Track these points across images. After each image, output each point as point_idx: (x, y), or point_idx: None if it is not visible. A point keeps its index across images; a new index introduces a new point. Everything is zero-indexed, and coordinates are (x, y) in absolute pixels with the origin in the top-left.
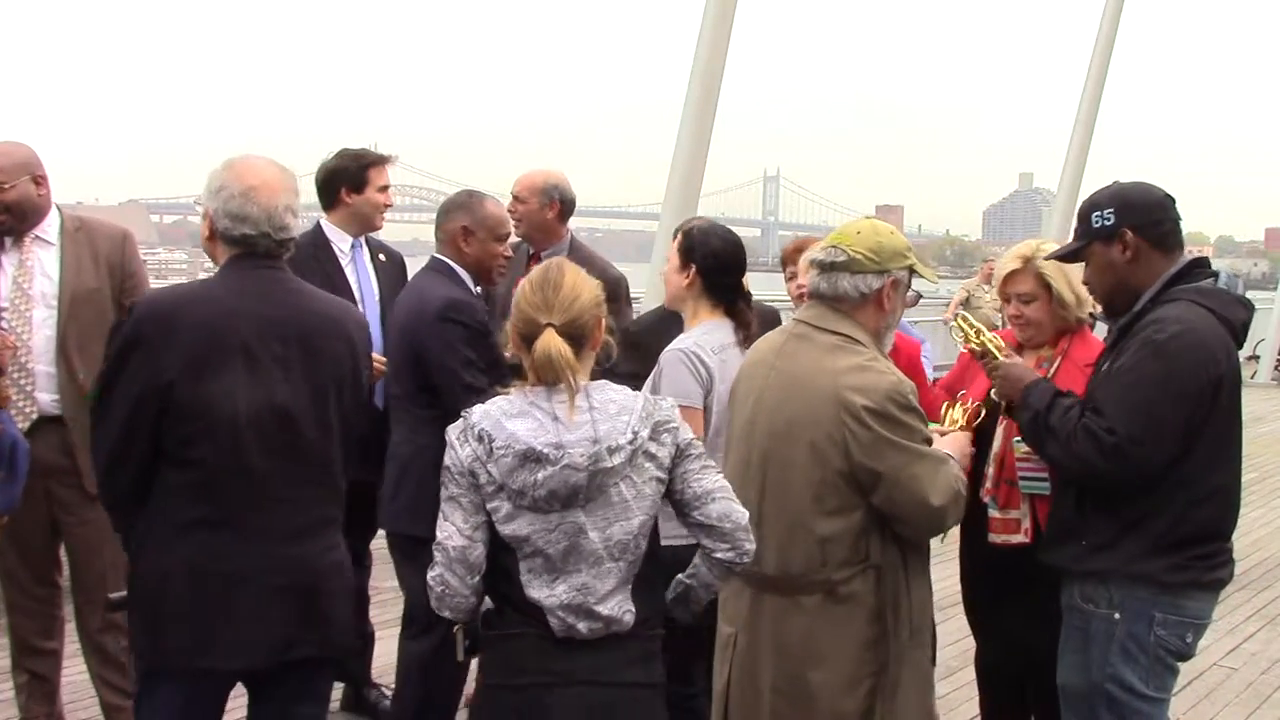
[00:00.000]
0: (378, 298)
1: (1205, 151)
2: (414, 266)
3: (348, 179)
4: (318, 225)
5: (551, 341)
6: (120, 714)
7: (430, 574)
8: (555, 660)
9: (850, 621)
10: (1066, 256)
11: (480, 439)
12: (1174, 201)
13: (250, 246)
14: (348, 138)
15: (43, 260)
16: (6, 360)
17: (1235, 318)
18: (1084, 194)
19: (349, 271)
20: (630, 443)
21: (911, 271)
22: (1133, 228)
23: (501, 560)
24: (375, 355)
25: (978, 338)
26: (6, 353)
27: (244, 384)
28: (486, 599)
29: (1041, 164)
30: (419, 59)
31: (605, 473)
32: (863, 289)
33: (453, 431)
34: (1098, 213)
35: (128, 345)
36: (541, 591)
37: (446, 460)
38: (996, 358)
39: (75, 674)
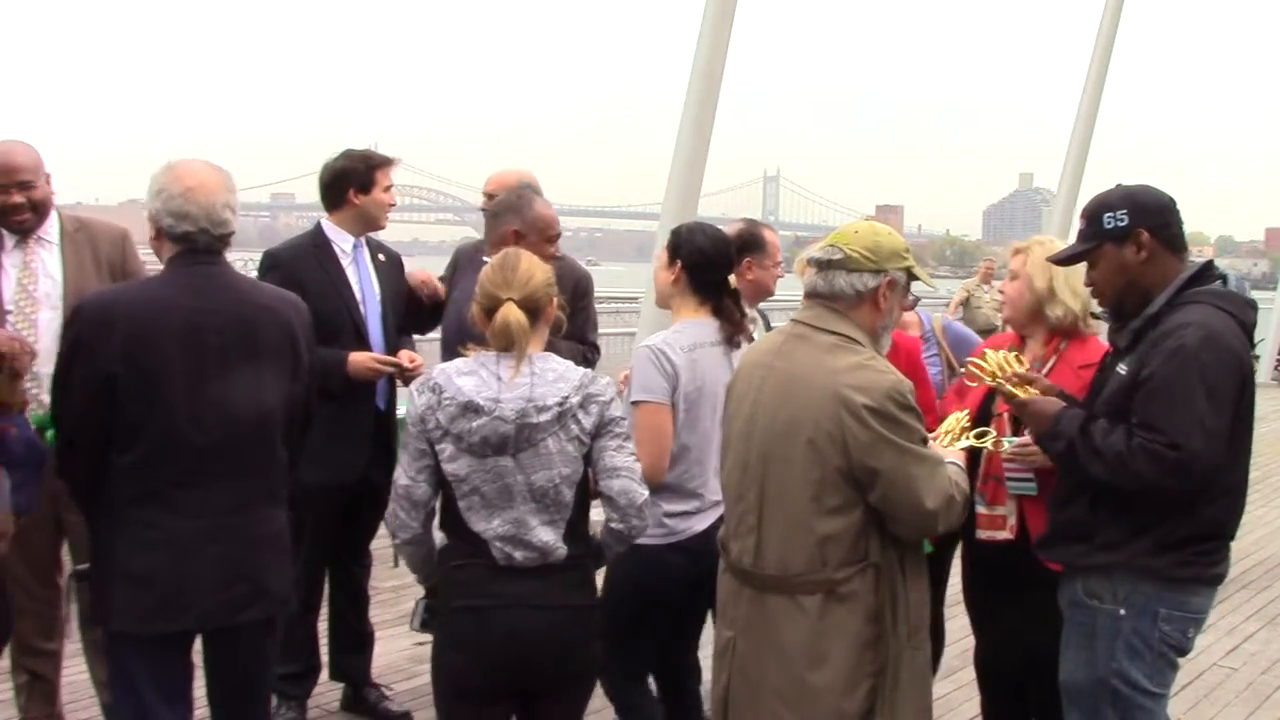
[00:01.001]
0: (379, 298)
1: (1205, 151)
2: (411, 266)
3: (355, 179)
4: (318, 225)
5: (510, 312)
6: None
7: (388, 508)
8: (498, 585)
9: (850, 621)
10: (1072, 258)
11: (433, 390)
12: (1176, 205)
13: (191, 243)
14: (348, 137)
15: (45, 261)
16: (28, 365)
17: (1249, 321)
18: (1084, 194)
19: (350, 272)
20: (559, 405)
21: (910, 275)
22: (1149, 229)
23: (451, 499)
24: (407, 353)
25: (994, 379)
26: (26, 357)
27: (180, 372)
28: (442, 537)
29: (1041, 164)
30: (419, 59)
31: (532, 427)
32: (858, 287)
33: (414, 384)
34: (1110, 213)
35: (73, 345)
36: (480, 525)
37: (406, 409)
38: (1017, 396)
39: (75, 674)
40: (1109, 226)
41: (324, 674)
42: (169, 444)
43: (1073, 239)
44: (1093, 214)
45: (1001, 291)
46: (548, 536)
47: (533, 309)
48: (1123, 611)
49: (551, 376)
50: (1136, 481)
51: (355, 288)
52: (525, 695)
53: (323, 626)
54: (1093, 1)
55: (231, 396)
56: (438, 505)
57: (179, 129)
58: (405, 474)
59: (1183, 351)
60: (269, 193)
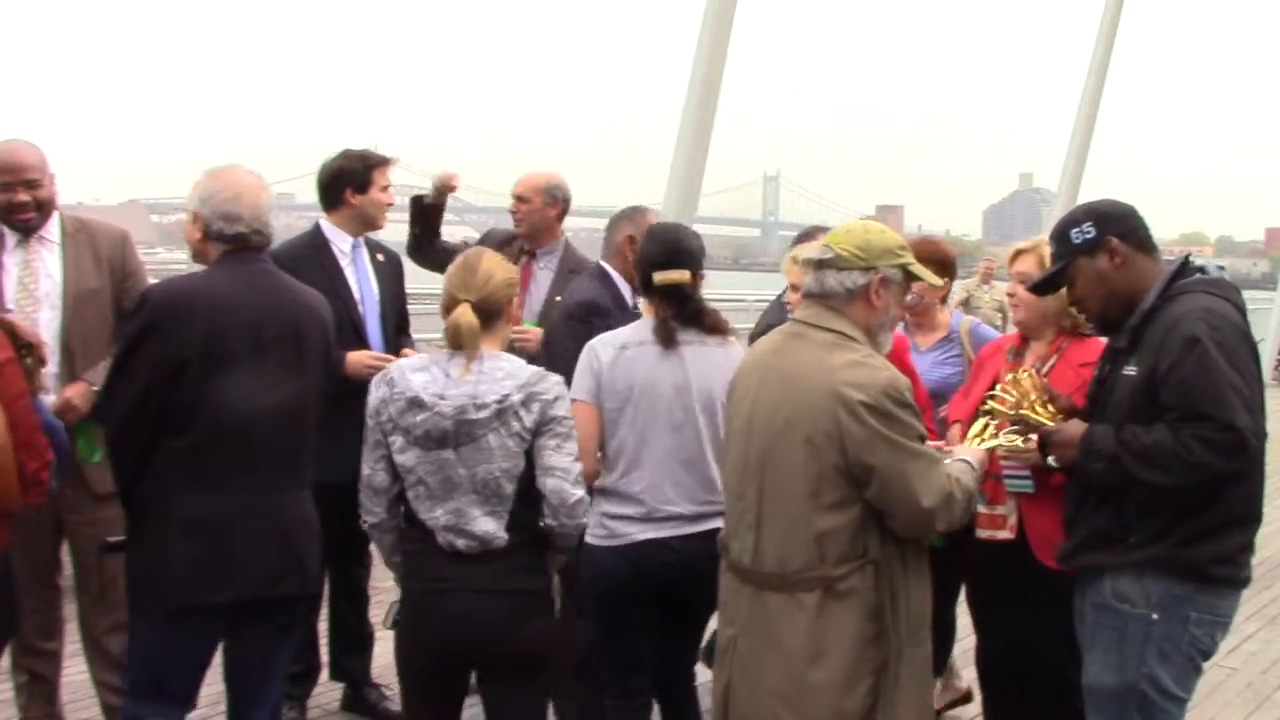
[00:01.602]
0: (377, 298)
1: (1205, 152)
2: (410, 266)
3: (352, 179)
4: (317, 226)
5: (463, 314)
6: (120, 715)
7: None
8: (446, 569)
9: (849, 619)
10: (1047, 281)
11: (389, 384)
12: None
13: (243, 243)
14: (348, 138)
15: (46, 260)
16: (48, 356)
17: (1241, 304)
18: (1084, 194)
19: (349, 272)
20: (498, 402)
21: (908, 273)
22: (1117, 235)
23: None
24: (407, 351)
25: (1016, 410)
26: (45, 348)
27: (248, 364)
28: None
29: (1041, 164)
30: (419, 59)
31: (471, 423)
32: (848, 285)
33: (375, 378)
34: (1076, 229)
35: (147, 327)
36: (426, 513)
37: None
38: (1043, 426)
39: (75, 674)
40: (1077, 241)
41: (324, 674)
42: (223, 429)
43: None
44: (1060, 234)
45: (1011, 294)
46: (488, 526)
47: (489, 310)
48: (1155, 616)
49: (499, 375)
50: (1201, 473)
51: (354, 288)
52: (481, 675)
53: (323, 627)
54: (1093, 2)
55: (279, 387)
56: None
57: (179, 129)
58: (366, 463)
59: (1199, 339)
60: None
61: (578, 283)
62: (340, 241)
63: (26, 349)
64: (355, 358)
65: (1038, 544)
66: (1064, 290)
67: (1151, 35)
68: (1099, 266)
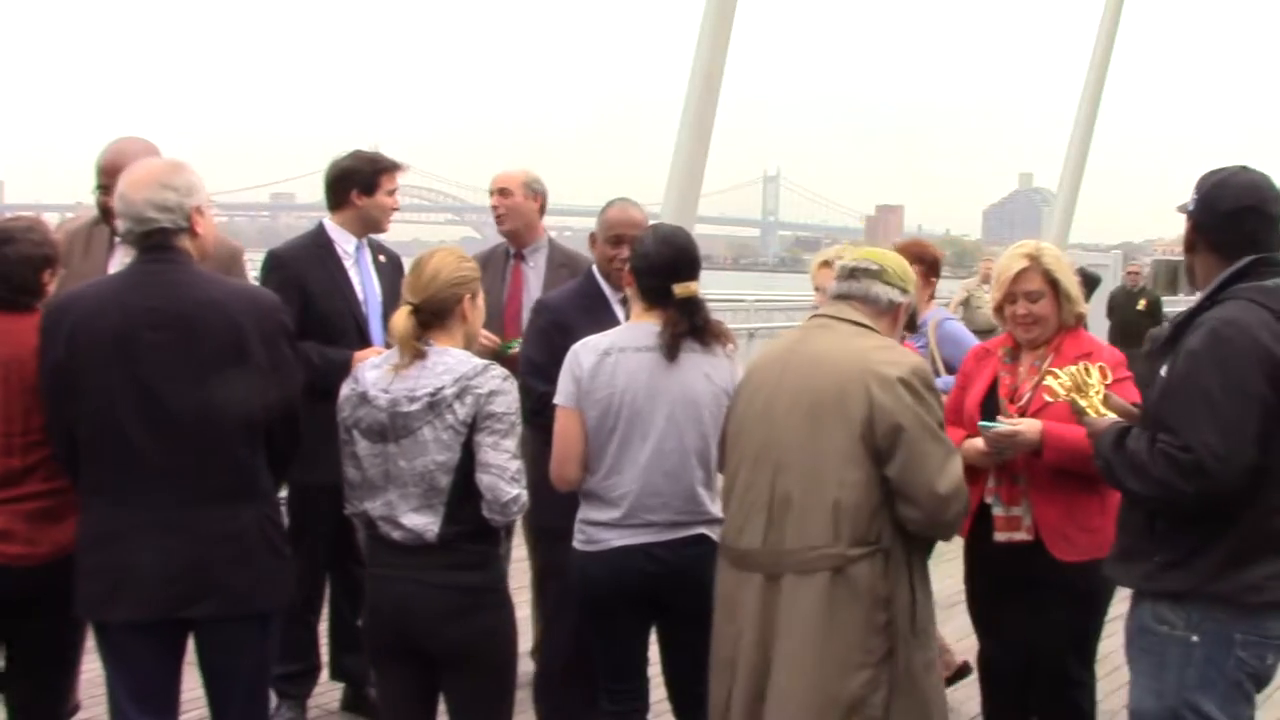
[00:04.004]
0: (380, 298)
1: (1205, 151)
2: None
3: (359, 181)
4: (320, 225)
5: (398, 317)
6: None
7: None
8: (387, 557)
9: (856, 604)
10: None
11: (353, 380)
12: (1259, 206)
13: (135, 239)
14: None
15: None
16: None
17: None
18: (1084, 194)
19: (353, 272)
20: (430, 396)
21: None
22: (1195, 219)
23: None
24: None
25: (1066, 394)
26: None
27: (119, 372)
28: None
29: (1041, 164)
30: (419, 58)
31: (405, 416)
32: (891, 298)
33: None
34: (1192, 195)
35: (40, 335)
36: (367, 505)
37: None
38: (1086, 414)
39: (94, 670)
40: (1190, 209)
41: (324, 674)
42: (100, 440)
43: (1073, 239)
44: (1198, 196)
45: (1025, 314)
46: (417, 520)
47: (435, 309)
48: (1195, 638)
49: (440, 369)
50: (1163, 491)
51: (357, 288)
52: (432, 664)
53: (323, 627)
54: (1093, 2)
55: (167, 394)
56: None
57: (179, 129)
58: (342, 455)
59: (1198, 350)
60: (269, 193)
61: (489, 279)
62: (344, 242)
63: None
64: (362, 355)
65: (1050, 538)
66: (1060, 295)
67: (1152, 34)
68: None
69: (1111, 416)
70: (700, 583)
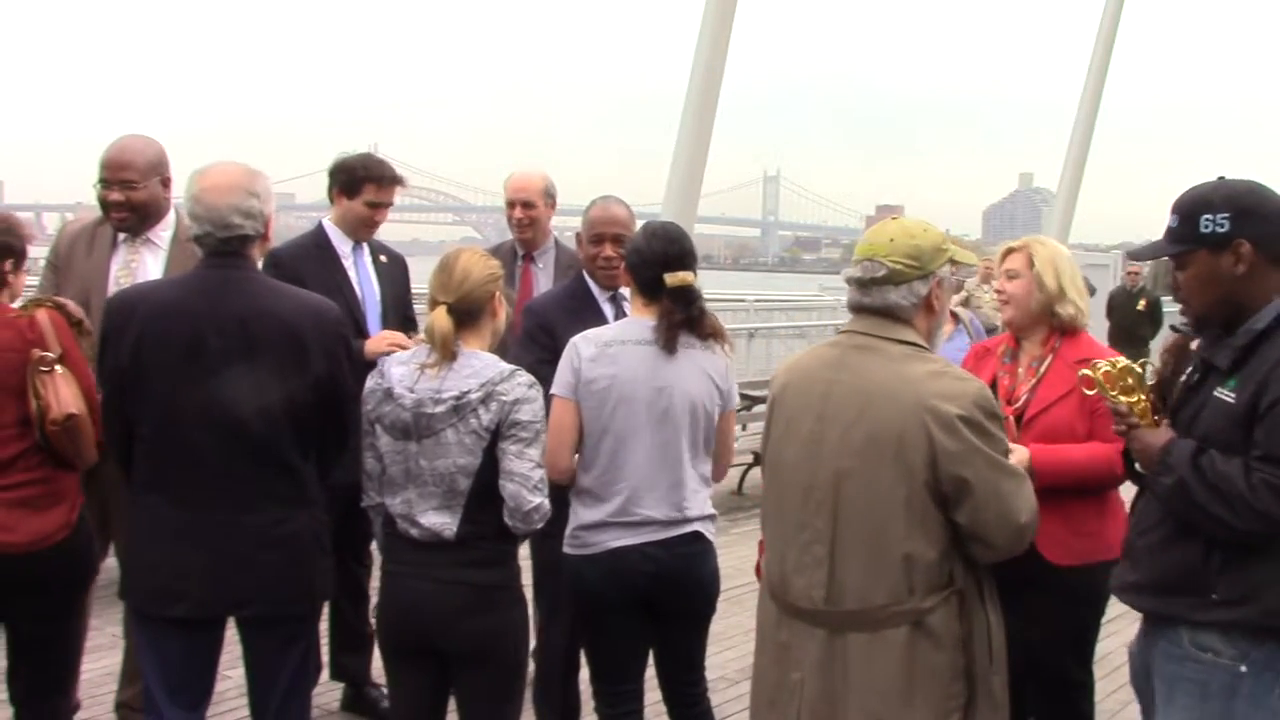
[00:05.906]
0: (378, 297)
1: (1205, 151)
2: (413, 267)
3: (342, 181)
4: (320, 225)
5: (437, 317)
6: (128, 712)
7: None
8: (405, 554)
9: (939, 655)
10: (1148, 255)
11: (380, 374)
12: None
13: (204, 246)
14: (348, 137)
15: (148, 264)
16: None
17: None
18: (1084, 194)
19: (351, 273)
20: (455, 399)
21: (952, 261)
22: (1253, 239)
23: None
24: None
25: (1112, 394)
26: (87, 321)
27: (182, 375)
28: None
29: (1041, 164)
30: (419, 58)
31: (429, 417)
32: (912, 298)
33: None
34: (1208, 216)
35: (102, 335)
36: (388, 500)
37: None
38: (1130, 416)
39: (92, 670)
40: (1205, 231)
41: (324, 674)
42: (162, 439)
43: (1073, 239)
44: (1188, 214)
45: (1000, 291)
46: (436, 519)
47: (468, 309)
48: (1243, 668)
49: (466, 372)
50: (1262, 523)
51: (355, 287)
52: (445, 663)
53: (323, 626)
54: (1094, 1)
55: (230, 400)
56: None
57: (180, 128)
58: (363, 446)
59: None
60: None
61: (553, 287)
62: (340, 242)
63: (78, 325)
64: (375, 340)
65: (1045, 544)
66: (1049, 287)
67: (1152, 34)
68: (1220, 267)
69: (1165, 428)
70: (697, 582)
